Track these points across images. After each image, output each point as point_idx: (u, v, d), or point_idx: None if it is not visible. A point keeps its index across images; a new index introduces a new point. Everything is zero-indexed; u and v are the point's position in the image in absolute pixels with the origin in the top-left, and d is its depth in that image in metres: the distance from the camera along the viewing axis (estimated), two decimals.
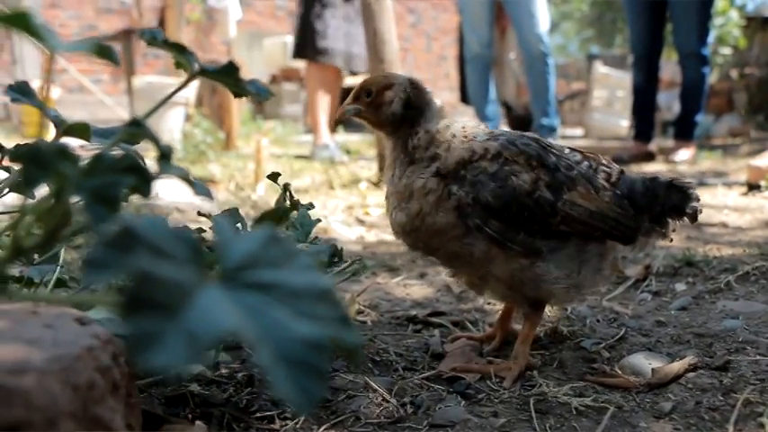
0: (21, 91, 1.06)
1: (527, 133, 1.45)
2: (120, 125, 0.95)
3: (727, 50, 11.26)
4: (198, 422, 1.15)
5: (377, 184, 4.45)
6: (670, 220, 1.49)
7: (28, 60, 11.13)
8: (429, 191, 1.35)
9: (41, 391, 0.67)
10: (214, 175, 4.73)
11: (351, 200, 4.00)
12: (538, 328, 1.55)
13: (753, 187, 3.92)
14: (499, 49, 8.47)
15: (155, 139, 0.84)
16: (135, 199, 0.81)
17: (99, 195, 0.75)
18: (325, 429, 1.18)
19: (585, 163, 1.44)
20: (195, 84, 6.82)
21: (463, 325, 1.78)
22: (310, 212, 1.44)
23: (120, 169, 0.77)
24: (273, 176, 1.39)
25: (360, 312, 1.87)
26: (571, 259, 1.38)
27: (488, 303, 1.96)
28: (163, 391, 1.23)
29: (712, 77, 10.12)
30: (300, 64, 6.97)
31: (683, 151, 5.83)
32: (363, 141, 7.28)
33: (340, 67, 6.04)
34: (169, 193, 3.40)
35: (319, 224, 1.51)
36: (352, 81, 9.08)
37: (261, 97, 1.03)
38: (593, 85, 10.34)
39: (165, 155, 0.82)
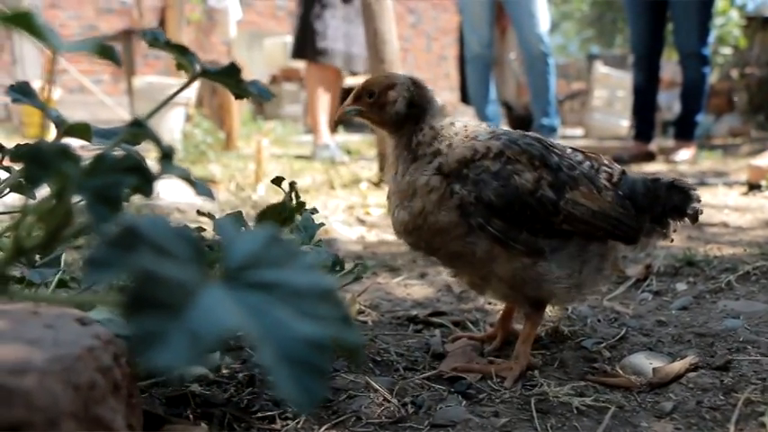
0: (22, 91, 1.06)
1: (529, 133, 1.45)
2: (121, 125, 0.95)
3: (727, 50, 11.25)
4: (199, 422, 1.15)
5: (377, 184, 4.45)
6: (671, 221, 1.49)
7: (28, 61, 11.13)
8: (432, 188, 1.35)
9: (42, 392, 0.67)
10: (214, 175, 4.73)
11: (351, 200, 4.00)
12: (539, 327, 1.55)
13: (753, 187, 3.92)
14: (499, 50, 8.46)
15: (156, 140, 0.84)
16: (136, 199, 0.81)
17: (101, 195, 0.75)
18: (326, 429, 1.18)
19: (587, 163, 1.44)
20: (196, 84, 6.80)
21: (464, 325, 1.78)
22: (313, 215, 1.45)
23: (122, 169, 0.77)
24: (277, 181, 1.40)
25: (360, 312, 1.87)
26: (572, 259, 1.38)
27: (489, 303, 1.96)
28: (164, 391, 1.23)
29: (713, 77, 10.11)
30: (301, 64, 6.98)
31: (683, 151, 5.83)
32: (364, 141, 7.28)
33: (339, 67, 6.04)
34: (170, 193, 3.40)
35: None
36: (352, 81, 9.09)
37: (262, 98, 1.03)
38: (593, 85, 10.33)
39: (166, 155, 0.82)
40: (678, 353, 1.50)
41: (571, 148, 1.48)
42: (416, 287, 2.21)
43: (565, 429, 1.19)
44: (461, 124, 1.42)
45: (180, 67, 1.00)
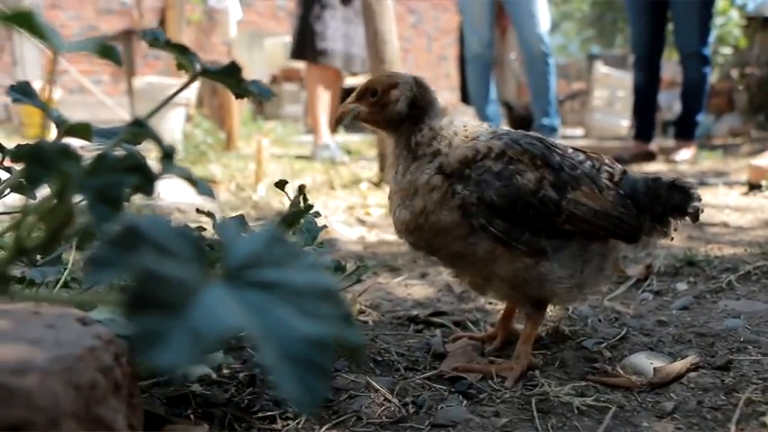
0: (22, 91, 1.06)
1: (530, 132, 1.45)
2: (122, 125, 0.95)
3: (727, 50, 11.25)
4: (200, 422, 1.15)
5: (378, 185, 4.45)
6: (672, 220, 1.49)
7: (28, 61, 11.14)
8: (434, 187, 1.35)
9: (43, 392, 0.67)
10: (215, 175, 4.73)
11: (352, 200, 4.00)
12: (540, 327, 1.55)
13: (753, 187, 3.91)
14: (500, 50, 8.46)
15: (157, 139, 0.84)
16: (137, 199, 0.81)
17: (102, 195, 0.75)
18: (326, 429, 1.18)
19: (588, 163, 1.44)
20: (196, 84, 6.82)
21: (465, 325, 1.78)
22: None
23: (123, 169, 0.77)
24: (281, 184, 1.40)
25: (361, 312, 1.87)
26: (574, 259, 1.38)
27: (490, 303, 1.96)
28: (165, 391, 1.23)
29: (713, 77, 10.11)
30: (301, 64, 6.98)
31: (683, 151, 5.83)
32: (364, 141, 7.28)
33: (339, 68, 6.05)
34: (170, 193, 3.40)
35: None
36: (352, 81, 9.09)
37: (263, 98, 1.03)
38: (593, 85, 10.33)
39: (167, 154, 0.82)
40: (679, 353, 1.50)
41: (572, 147, 1.48)
42: (417, 287, 2.21)
43: (566, 429, 1.19)
44: (461, 124, 1.42)
45: (180, 66, 1.00)
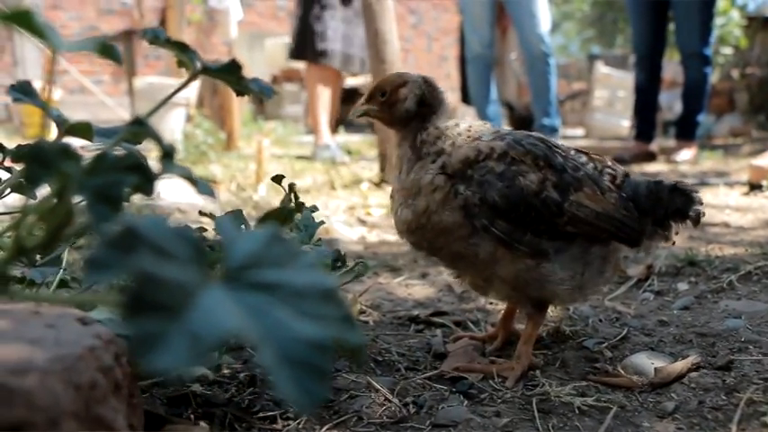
0: (23, 90, 1.06)
1: (533, 133, 1.45)
2: (122, 124, 0.95)
3: (728, 50, 11.24)
4: (200, 422, 1.15)
5: (378, 185, 4.45)
6: (673, 223, 1.49)
7: (29, 62, 11.14)
8: (436, 187, 1.34)
9: (44, 391, 0.67)
10: (215, 175, 4.73)
11: (352, 200, 3.99)
12: (540, 328, 1.55)
13: (754, 187, 3.91)
14: (500, 50, 8.47)
15: (157, 138, 0.84)
16: (137, 199, 0.80)
17: (102, 195, 0.75)
18: (327, 429, 1.18)
19: (591, 164, 1.44)
20: (196, 84, 6.84)
21: (465, 325, 1.78)
22: (313, 214, 1.45)
23: (123, 168, 0.77)
24: (278, 179, 1.40)
25: (362, 312, 1.87)
26: (575, 261, 1.38)
27: (490, 303, 1.96)
28: (165, 391, 1.22)
29: (713, 77, 10.10)
30: (301, 64, 6.98)
31: (684, 151, 5.83)
32: (364, 142, 7.28)
33: (339, 68, 6.05)
34: (171, 193, 3.40)
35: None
36: (352, 81, 9.09)
37: (264, 96, 1.03)
38: (594, 86, 10.33)
39: (167, 154, 0.82)
40: (680, 353, 1.50)
41: (575, 149, 1.48)
42: (418, 287, 2.21)
43: (566, 429, 1.19)
44: (466, 125, 1.42)
45: (181, 64, 1.00)
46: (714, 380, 1.34)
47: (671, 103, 9.71)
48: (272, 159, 5.50)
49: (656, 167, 5.47)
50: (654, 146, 5.95)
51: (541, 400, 1.29)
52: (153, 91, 6.72)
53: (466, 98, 8.39)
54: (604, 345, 1.57)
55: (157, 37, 0.99)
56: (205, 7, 11.24)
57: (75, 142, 0.88)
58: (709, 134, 8.76)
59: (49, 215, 0.79)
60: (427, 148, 1.38)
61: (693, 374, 1.37)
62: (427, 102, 1.42)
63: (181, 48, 0.98)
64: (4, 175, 1.16)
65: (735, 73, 11.00)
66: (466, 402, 1.30)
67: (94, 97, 9.10)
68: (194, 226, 1.18)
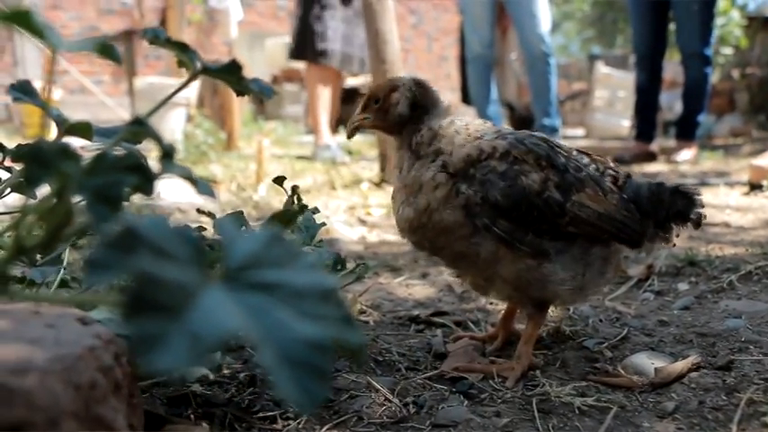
0: (23, 90, 1.06)
1: (535, 133, 1.45)
2: (122, 124, 0.95)
3: (728, 50, 11.24)
4: (200, 422, 1.15)
5: (379, 185, 4.45)
6: (674, 226, 1.49)
7: (29, 62, 11.15)
8: (438, 184, 1.34)
9: (43, 391, 0.67)
10: (216, 175, 4.73)
11: (352, 200, 3.99)
12: (541, 328, 1.54)
13: (754, 187, 3.91)
14: (500, 50, 8.47)
15: (157, 138, 0.84)
16: (137, 199, 0.80)
17: (101, 194, 0.75)
18: (327, 429, 1.18)
19: (593, 165, 1.43)
20: (196, 84, 6.84)
21: (466, 325, 1.78)
22: (314, 215, 1.45)
23: (123, 168, 0.77)
24: (279, 180, 1.40)
25: (362, 312, 1.87)
26: (576, 261, 1.38)
27: (491, 303, 1.95)
28: (165, 391, 1.22)
29: (714, 77, 10.10)
30: (302, 65, 6.98)
31: (684, 151, 5.83)
32: (365, 142, 7.28)
33: (339, 68, 6.05)
34: (171, 193, 3.40)
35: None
36: (352, 81, 9.08)
37: (264, 96, 1.02)
38: (594, 86, 10.33)
39: (167, 154, 0.82)
40: (680, 353, 1.50)
41: (577, 150, 1.47)
42: (418, 287, 2.20)
43: (567, 429, 1.19)
44: (462, 123, 1.42)
45: (181, 64, 1.00)
46: (714, 380, 1.34)
47: (671, 104, 9.71)
48: (273, 159, 5.51)
49: (656, 167, 5.47)
50: (654, 146, 5.95)
51: (541, 400, 1.29)
52: (153, 91, 6.73)
53: (466, 98, 8.38)
54: (604, 345, 1.56)
55: (158, 37, 0.99)
56: (205, 7, 11.25)
57: (75, 142, 0.88)
58: (710, 134, 8.76)
59: (49, 215, 0.79)
60: (424, 150, 1.38)
61: (694, 374, 1.37)
62: (419, 103, 1.42)
63: (181, 48, 0.98)
64: (4, 175, 1.16)
65: (735, 73, 10.99)
66: (466, 402, 1.30)
67: (95, 97, 9.10)
68: (194, 226, 1.18)
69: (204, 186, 0.88)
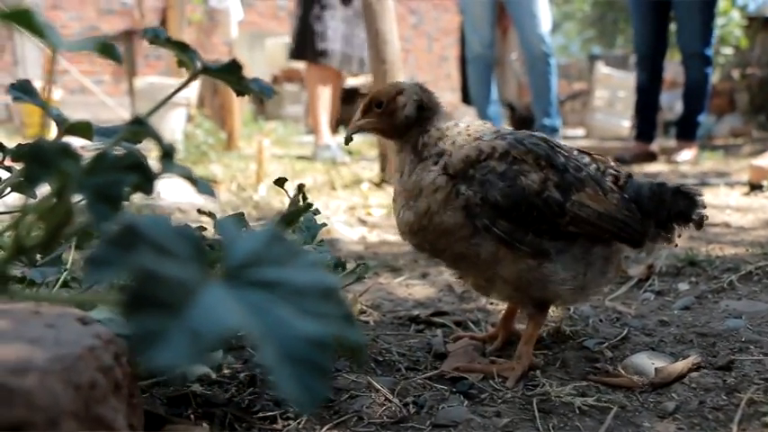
0: (23, 90, 1.06)
1: (535, 133, 1.45)
2: (122, 124, 0.95)
3: (728, 50, 11.24)
4: (200, 422, 1.15)
5: (379, 185, 4.45)
6: (676, 226, 1.48)
7: (29, 61, 11.15)
8: (438, 188, 1.34)
9: (43, 391, 0.67)
10: (216, 175, 4.73)
11: (353, 200, 3.99)
12: (541, 328, 1.54)
13: (755, 187, 3.91)
14: (501, 50, 8.47)
15: (157, 138, 0.84)
16: (137, 199, 0.80)
17: (101, 194, 0.75)
18: (327, 429, 1.18)
19: (594, 165, 1.43)
20: (197, 84, 6.84)
21: (466, 325, 1.78)
22: (315, 216, 1.45)
23: (123, 167, 0.77)
24: (280, 182, 1.40)
25: (362, 312, 1.87)
26: (577, 261, 1.38)
27: (491, 303, 1.95)
28: (165, 391, 1.22)
29: (714, 77, 10.10)
30: (302, 65, 6.99)
31: (685, 151, 5.83)
32: (365, 142, 7.29)
33: (339, 68, 6.05)
34: (171, 193, 3.40)
35: None
36: (353, 81, 9.09)
37: (264, 96, 1.02)
38: (594, 86, 10.33)
39: (167, 153, 0.82)
40: (680, 353, 1.50)
41: (577, 149, 1.47)
42: (418, 287, 2.20)
43: (567, 429, 1.19)
44: (464, 125, 1.42)
45: (181, 64, 1.00)
46: (715, 380, 1.34)
47: (672, 104, 9.71)
48: (273, 159, 5.51)
49: (656, 168, 5.47)
50: (654, 146, 5.95)
51: (542, 400, 1.29)
52: (153, 91, 6.73)
53: (466, 98, 8.39)
54: (605, 345, 1.56)
55: (158, 37, 0.99)
56: (205, 7, 11.25)
57: (75, 142, 0.88)
58: (710, 134, 8.76)
59: (49, 214, 0.78)
60: (429, 150, 1.38)
61: (694, 374, 1.37)
62: (426, 106, 1.42)
63: (181, 47, 0.98)
64: (4, 175, 1.16)
65: (735, 73, 10.99)
66: (466, 402, 1.30)
67: (95, 97, 9.10)
68: (194, 225, 1.18)
69: (204, 186, 0.88)
